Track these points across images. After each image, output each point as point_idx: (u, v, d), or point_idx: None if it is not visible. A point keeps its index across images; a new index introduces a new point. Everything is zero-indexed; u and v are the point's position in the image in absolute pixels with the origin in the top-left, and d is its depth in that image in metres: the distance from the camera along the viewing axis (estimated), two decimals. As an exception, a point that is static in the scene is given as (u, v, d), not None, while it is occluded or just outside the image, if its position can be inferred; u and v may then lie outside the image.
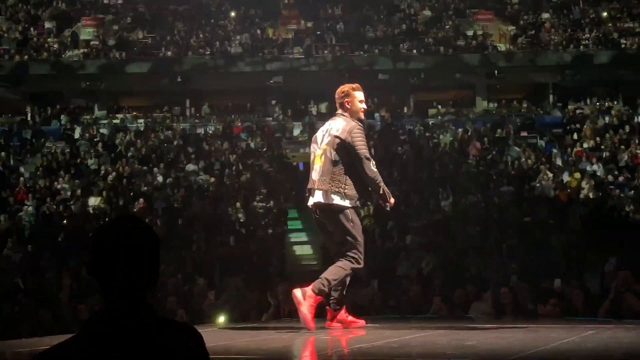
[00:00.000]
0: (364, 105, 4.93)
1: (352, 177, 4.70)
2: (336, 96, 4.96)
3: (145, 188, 17.30)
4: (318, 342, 4.40)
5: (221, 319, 4.34)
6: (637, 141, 19.80)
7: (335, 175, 4.70)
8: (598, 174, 18.10)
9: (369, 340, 4.43)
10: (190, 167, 18.48)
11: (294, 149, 21.61)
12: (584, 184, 17.26)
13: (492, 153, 19.72)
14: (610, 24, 24.99)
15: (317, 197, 4.76)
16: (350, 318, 4.94)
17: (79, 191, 17.24)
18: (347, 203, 4.69)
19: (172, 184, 17.39)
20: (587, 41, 24.35)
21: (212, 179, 17.76)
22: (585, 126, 21.23)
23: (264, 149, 20.45)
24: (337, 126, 4.81)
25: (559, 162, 19.44)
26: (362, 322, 5.01)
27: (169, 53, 24.00)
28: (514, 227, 14.17)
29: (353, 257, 4.66)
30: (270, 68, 23.92)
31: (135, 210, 15.54)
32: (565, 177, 18.00)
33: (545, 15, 26.06)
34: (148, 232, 1.80)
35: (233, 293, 9.79)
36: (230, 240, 14.42)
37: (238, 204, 16.29)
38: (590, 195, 16.70)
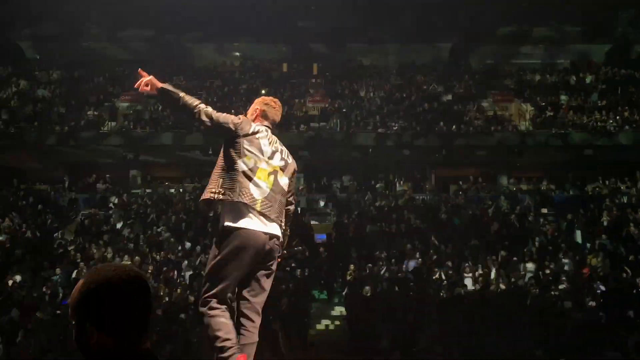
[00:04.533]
0: None
1: None
2: (276, 107, 4.22)
3: (173, 256, 17.49)
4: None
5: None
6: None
7: (282, 209, 3.92)
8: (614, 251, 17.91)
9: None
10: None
11: (318, 220, 21.83)
12: (600, 261, 17.10)
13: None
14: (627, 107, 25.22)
15: (274, 229, 3.83)
16: None
17: (109, 257, 17.49)
18: None
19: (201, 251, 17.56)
20: (604, 123, 24.54)
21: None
22: (606, 205, 21.15)
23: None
24: (288, 153, 4.09)
25: (578, 239, 19.32)
26: None
27: (201, 127, 24.57)
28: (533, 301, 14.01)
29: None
30: (296, 142, 24.43)
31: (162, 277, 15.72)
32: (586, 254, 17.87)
33: (563, 97, 26.43)
34: (137, 280, 1.83)
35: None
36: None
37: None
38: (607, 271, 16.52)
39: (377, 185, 24.13)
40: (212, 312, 3.62)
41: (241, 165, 3.78)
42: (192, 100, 3.91)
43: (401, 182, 24.67)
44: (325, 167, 25.19)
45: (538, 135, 24.34)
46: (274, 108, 4.17)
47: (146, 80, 3.83)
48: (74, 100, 25.78)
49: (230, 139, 3.88)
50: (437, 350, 11.54)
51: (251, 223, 3.70)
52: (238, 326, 3.70)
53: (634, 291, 14.91)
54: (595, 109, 25.21)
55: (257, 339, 3.75)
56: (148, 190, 23.48)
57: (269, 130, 4.05)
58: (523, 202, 21.98)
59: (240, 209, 3.72)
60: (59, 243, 18.67)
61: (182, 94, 3.89)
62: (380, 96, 26.76)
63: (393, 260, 17.35)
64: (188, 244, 18.32)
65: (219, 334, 3.55)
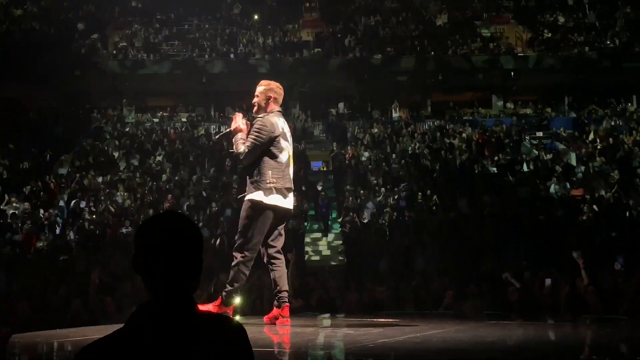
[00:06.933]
0: None
1: None
2: (282, 92, 4.91)
3: (171, 185, 17.39)
4: (342, 337, 4.37)
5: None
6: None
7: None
8: (611, 174, 17.85)
9: (391, 335, 4.41)
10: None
11: (314, 148, 21.68)
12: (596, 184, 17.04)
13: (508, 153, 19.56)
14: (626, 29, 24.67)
15: (292, 200, 4.85)
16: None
17: (107, 187, 17.38)
18: None
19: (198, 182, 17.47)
20: (602, 45, 24.03)
21: (235, 177, 17.74)
22: (600, 127, 20.99)
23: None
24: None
25: (573, 162, 19.23)
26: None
27: (194, 55, 24.08)
28: (529, 225, 14.03)
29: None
30: (291, 69, 23.90)
31: (166, 206, 15.59)
32: (580, 177, 17.81)
33: (562, 19, 25.78)
34: (192, 228, 1.75)
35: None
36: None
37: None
38: (605, 194, 16.48)
39: (373, 112, 23.81)
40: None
41: (282, 158, 4.71)
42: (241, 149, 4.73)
43: (397, 109, 24.34)
44: (320, 94, 24.75)
45: (534, 57, 23.90)
46: (279, 94, 4.85)
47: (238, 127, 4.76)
48: (63, 29, 25.05)
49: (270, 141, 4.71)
50: (432, 272, 11.61)
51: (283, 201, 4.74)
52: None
53: (626, 213, 14.96)
54: (592, 31, 24.67)
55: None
56: (142, 119, 23.19)
57: (281, 114, 4.81)
58: (518, 126, 21.79)
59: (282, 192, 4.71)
60: (56, 173, 18.52)
61: (241, 149, 4.70)
62: (375, 20, 26.06)
63: (388, 186, 17.28)
64: (184, 173, 18.18)
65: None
